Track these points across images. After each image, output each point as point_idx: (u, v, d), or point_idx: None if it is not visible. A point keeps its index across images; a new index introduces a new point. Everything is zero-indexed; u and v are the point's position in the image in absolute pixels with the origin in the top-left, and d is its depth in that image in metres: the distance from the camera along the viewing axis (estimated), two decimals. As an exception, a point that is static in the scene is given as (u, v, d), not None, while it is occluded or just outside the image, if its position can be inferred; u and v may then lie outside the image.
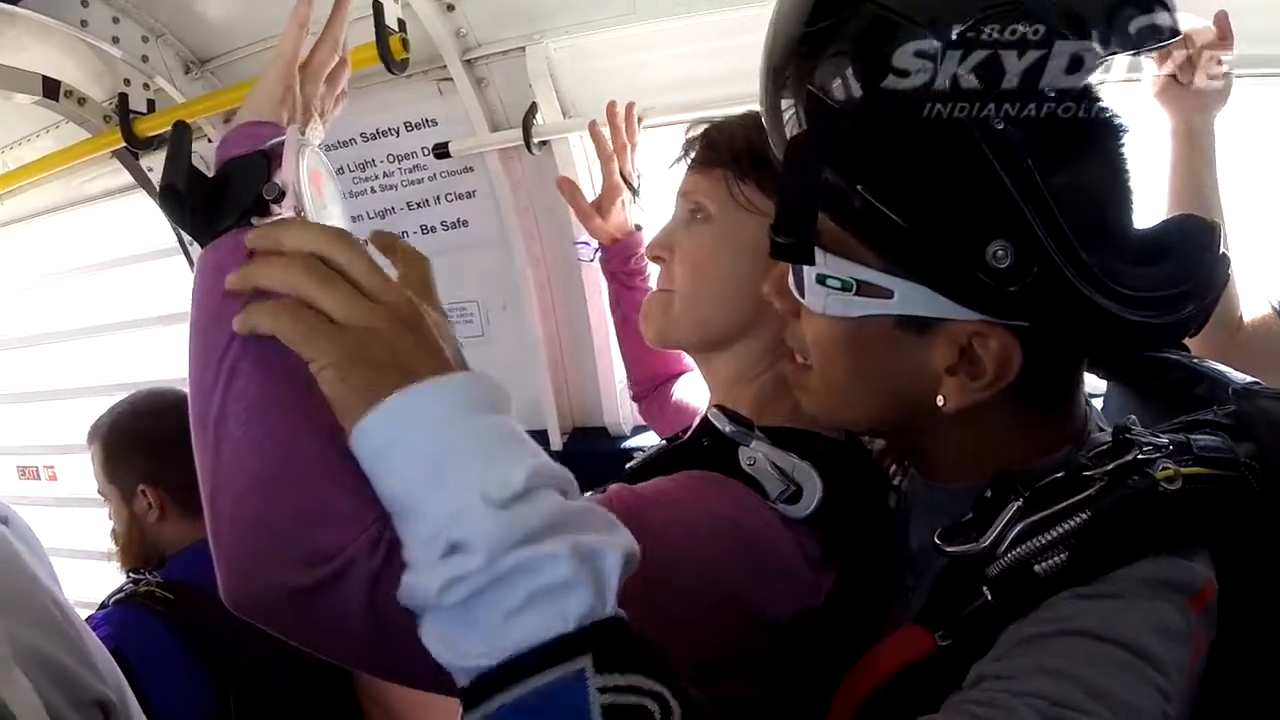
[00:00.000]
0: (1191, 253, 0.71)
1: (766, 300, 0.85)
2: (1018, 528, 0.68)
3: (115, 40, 1.94)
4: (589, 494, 0.82)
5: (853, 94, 0.68)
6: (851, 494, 0.85)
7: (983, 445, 0.77)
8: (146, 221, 2.43)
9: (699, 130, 1.05)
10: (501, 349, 2.12)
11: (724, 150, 1.00)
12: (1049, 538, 0.66)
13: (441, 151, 1.93)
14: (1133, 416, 0.75)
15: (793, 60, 0.73)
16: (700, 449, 0.88)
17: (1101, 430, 0.78)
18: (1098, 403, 0.97)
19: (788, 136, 0.74)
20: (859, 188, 0.68)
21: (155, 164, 2.22)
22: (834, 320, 0.75)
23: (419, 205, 2.05)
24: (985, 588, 0.68)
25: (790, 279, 0.79)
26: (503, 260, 2.02)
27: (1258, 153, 1.68)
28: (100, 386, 2.76)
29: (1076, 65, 0.65)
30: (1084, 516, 0.66)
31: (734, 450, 0.86)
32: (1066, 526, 0.66)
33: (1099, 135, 0.69)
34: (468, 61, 1.84)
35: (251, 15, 1.95)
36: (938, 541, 0.73)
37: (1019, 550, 0.67)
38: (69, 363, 3.06)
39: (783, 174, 0.72)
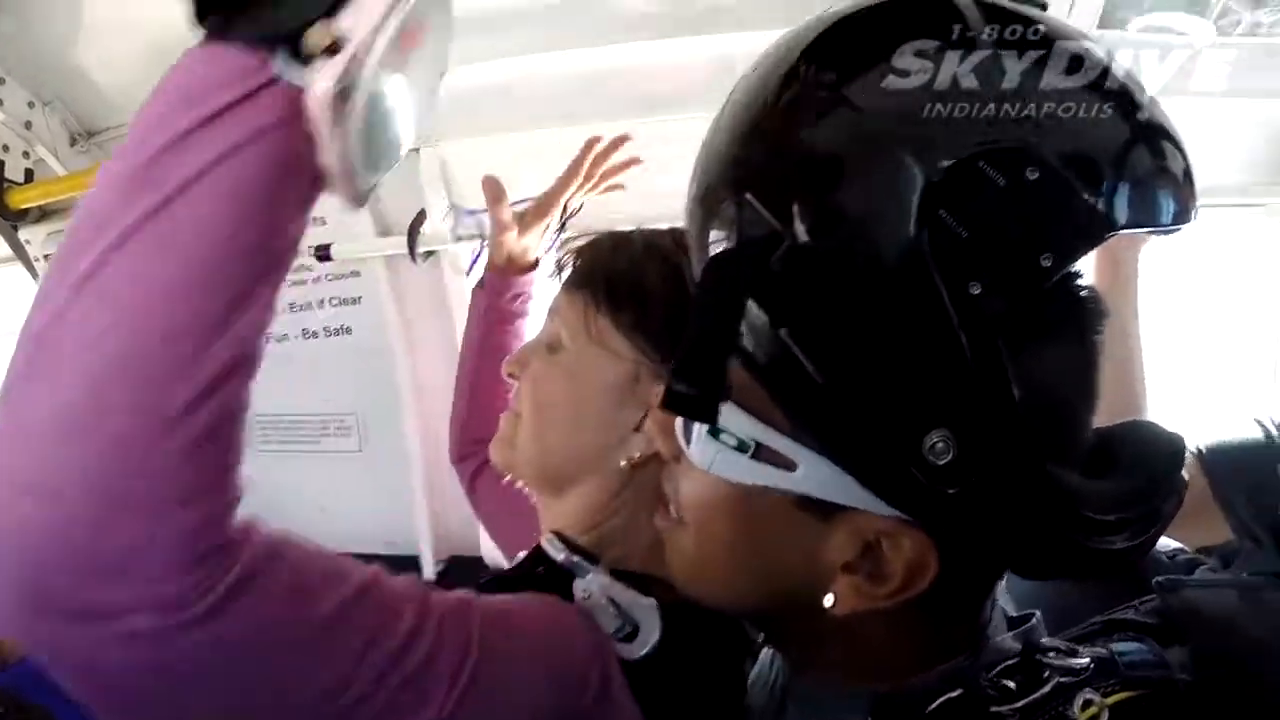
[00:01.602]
0: (1150, 472, 0.59)
1: (614, 443, 0.78)
2: None
3: (-1, 103, 1.82)
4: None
5: (800, 215, 0.54)
6: (698, 647, 0.77)
7: (865, 654, 0.64)
8: (23, 299, 2.27)
9: (577, 243, 0.96)
10: (380, 465, 1.98)
11: (586, 273, 0.91)
12: None
13: (323, 254, 1.81)
14: (1038, 616, 0.64)
15: (735, 164, 0.59)
16: (534, 578, 0.79)
17: (1008, 625, 0.65)
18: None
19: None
20: (781, 331, 0.54)
21: (33, 237, 2.08)
22: (720, 480, 0.61)
23: (302, 308, 1.93)
24: None
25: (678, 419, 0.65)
26: (385, 372, 1.89)
27: (1183, 280, 1.64)
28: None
29: (1085, 231, 0.53)
30: None
31: (569, 581, 0.78)
32: None
33: (1080, 318, 0.58)
34: (359, 160, 1.72)
35: (148, 85, 1.83)
36: None
37: None
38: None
39: (696, 301, 0.57)
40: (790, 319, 0.54)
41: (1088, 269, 0.58)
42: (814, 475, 0.57)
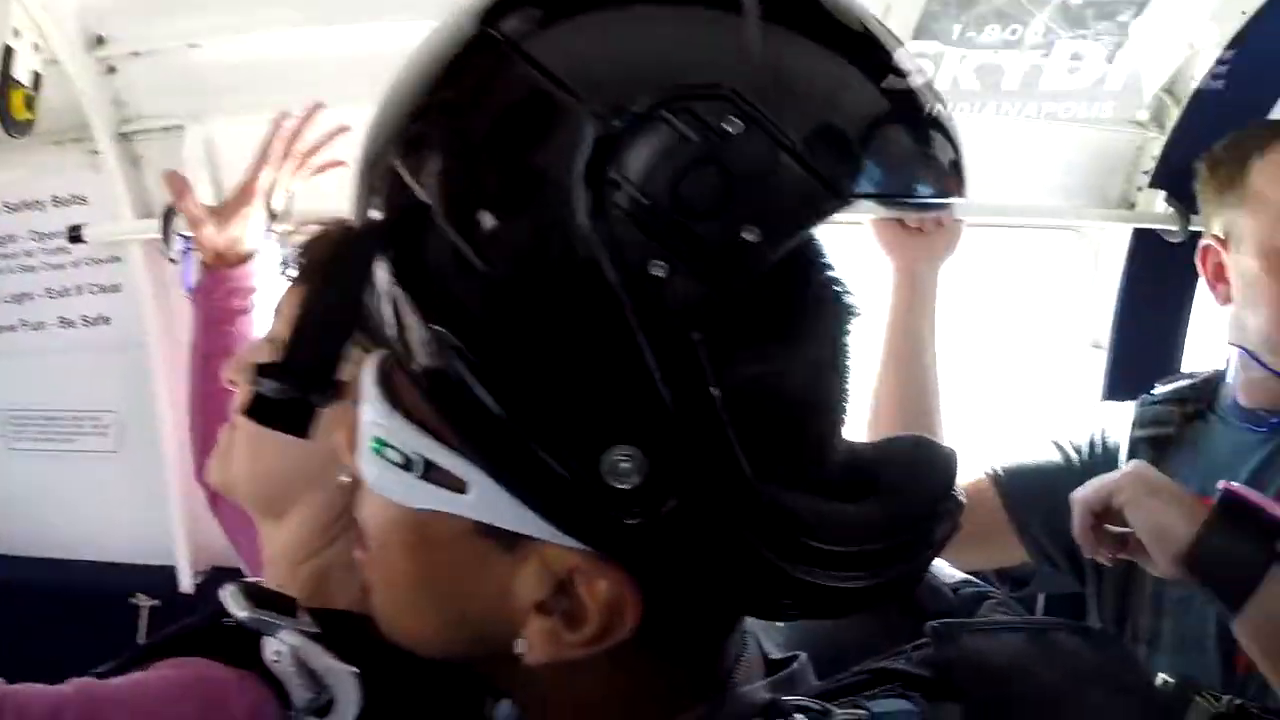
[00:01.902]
0: (913, 493, 0.50)
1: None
2: None
3: None
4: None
5: (446, 182, 0.44)
6: (414, 707, 0.70)
7: (583, 703, 0.54)
8: None
9: (305, 234, 0.88)
10: (137, 468, 1.84)
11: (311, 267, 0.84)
12: None
13: (75, 235, 1.71)
14: (801, 660, 0.55)
15: (388, 127, 0.49)
16: (221, 632, 0.72)
17: (766, 669, 0.56)
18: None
19: None
20: (433, 327, 0.44)
21: None
22: (393, 504, 0.51)
23: (60, 294, 1.81)
24: None
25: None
26: (144, 368, 1.78)
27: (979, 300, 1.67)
28: None
29: (804, 199, 0.43)
30: None
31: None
32: None
33: (817, 313, 0.48)
34: (124, 135, 1.64)
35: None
36: None
37: None
38: None
39: (311, 287, 0.49)
40: (439, 311, 0.44)
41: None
42: (487, 499, 0.47)
